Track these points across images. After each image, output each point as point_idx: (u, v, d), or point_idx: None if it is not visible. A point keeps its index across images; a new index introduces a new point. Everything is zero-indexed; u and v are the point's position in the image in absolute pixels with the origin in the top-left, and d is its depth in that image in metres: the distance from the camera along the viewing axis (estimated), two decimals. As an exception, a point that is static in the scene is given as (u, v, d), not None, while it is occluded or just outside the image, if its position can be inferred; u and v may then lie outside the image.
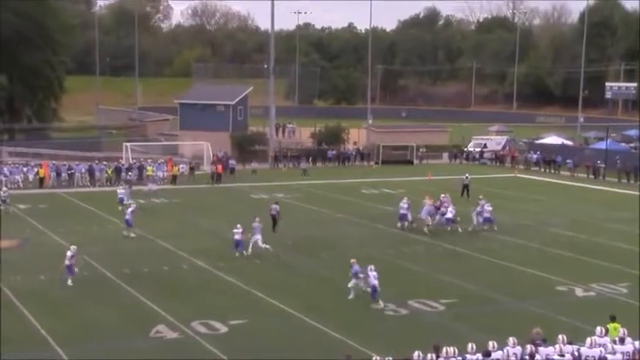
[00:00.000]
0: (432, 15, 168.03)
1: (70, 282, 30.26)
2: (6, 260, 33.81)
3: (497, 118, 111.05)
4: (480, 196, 43.97)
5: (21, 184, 55.54)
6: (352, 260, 28.88)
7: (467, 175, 53.73)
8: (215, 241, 38.20)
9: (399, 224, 41.65)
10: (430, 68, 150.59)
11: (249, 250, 34.88)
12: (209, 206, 48.73)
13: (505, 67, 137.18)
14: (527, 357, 18.41)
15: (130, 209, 40.05)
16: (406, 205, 41.73)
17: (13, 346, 23.21)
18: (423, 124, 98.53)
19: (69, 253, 30.66)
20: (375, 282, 27.56)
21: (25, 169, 57.23)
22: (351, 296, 28.19)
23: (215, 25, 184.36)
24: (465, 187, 51.70)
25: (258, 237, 35.27)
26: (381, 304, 27.51)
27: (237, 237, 34.83)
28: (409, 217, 41.42)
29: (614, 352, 18.72)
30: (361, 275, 28.23)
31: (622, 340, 19.31)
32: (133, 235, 38.83)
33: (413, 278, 32.17)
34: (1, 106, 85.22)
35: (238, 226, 34.80)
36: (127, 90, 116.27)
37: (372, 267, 27.98)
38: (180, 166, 61.90)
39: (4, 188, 49.17)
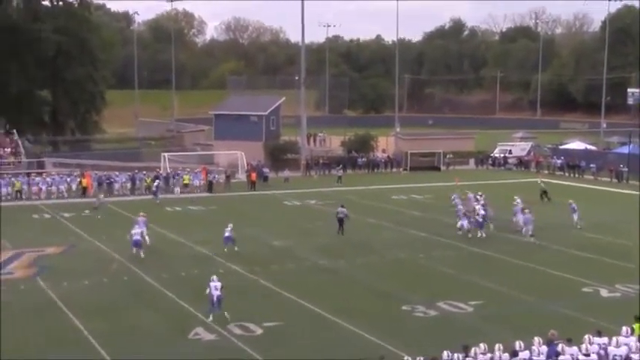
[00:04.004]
0: (457, 26, 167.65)
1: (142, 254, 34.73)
2: (52, 266, 34.14)
3: (522, 125, 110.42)
4: (516, 197, 44.17)
5: (65, 194, 56.01)
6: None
7: (540, 180, 56.08)
8: (251, 247, 38.23)
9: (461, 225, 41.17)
10: (456, 77, 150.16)
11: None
12: (244, 213, 48.83)
13: (529, 75, 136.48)
14: (553, 356, 18.26)
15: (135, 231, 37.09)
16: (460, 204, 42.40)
17: (59, 349, 23.38)
18: (450, 131, 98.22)
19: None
20: (217, 293, 26.03)
21: (68, 179, 57.72)
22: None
23: (248, 39, 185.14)
24: (544, 192, 53.04)
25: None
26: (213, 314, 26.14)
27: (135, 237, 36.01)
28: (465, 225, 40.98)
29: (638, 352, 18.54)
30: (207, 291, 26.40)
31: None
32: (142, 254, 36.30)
33: (442, 280, 32.00)
34: (45, 120, 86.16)
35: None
36: (164, 102, 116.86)
37: (215, 277, 26.60)
38: (214, 175, 62.11)
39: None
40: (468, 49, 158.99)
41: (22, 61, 77.29)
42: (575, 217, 43.42)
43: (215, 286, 26.29)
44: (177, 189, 57.45)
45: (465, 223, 40.82)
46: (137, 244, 36.07)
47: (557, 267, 33.66)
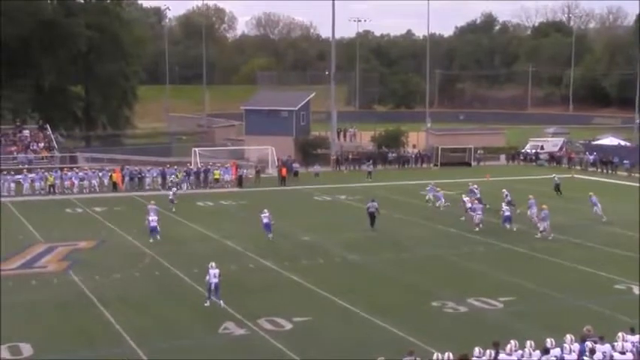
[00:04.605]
0: (489, 21, 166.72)
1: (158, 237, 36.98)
2: (84, 260, 34.41)
3: (554, 120, 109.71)
4: (530, 196, 43.72)
5: (97, 188, 56.44)
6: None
7: (555, 175, 56.64)
8: (280, 241, 38.28)
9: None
10: (487, 72, 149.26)
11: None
12: (274, 208, 48.75)
13: (561, 70, 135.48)
14: (587, 354, 18.08)
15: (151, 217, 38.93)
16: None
17: (91, 342, 23.58)
18: (481, 126, 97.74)
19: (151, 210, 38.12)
20: (215, 280, 26.77)
21: (100, 174, 58.13)
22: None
23: (278, 34, 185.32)
24: (557, 186, 53.44)
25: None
26: (210, 302, 26.97)
27: (152, 224, 38.13)
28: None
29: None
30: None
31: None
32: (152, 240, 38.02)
33: (472, 276, 31.84)
34: (78, 115, 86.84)
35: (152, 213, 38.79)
36: (195, 98, 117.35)
37: (214, 264, 27.22)
38: (245, 170, 62.28)
39: (173, 190, 50.73)
40: (500, 44, 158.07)
41: (56, 57, 78.01)
42: (597, 210, 43.48)
43: (214, 273, 26.91)
44: (185, 185, 57.11)
45: (478, 215, 41.33)
46: (154, 230, 38.06)
47: (588, 264, 33.36)
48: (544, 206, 40.19)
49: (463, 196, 46.56)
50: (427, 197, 49.68)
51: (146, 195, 53.99)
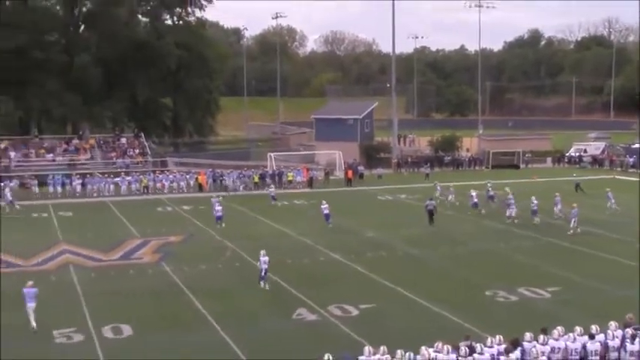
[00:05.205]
0: (535, 36, 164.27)
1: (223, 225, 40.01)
2: (174, 252, 34.90)
3: (596, 126, 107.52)
4: (557, 193, 43.87)
5: (184, 189, 57.17)
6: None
7: (575, 174, 56.65)
8: (348, 237, 38.31)
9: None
10: (534, 83, 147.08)
11: None
12: (341, 207, 48.85)
13: (602, 80, 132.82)
14: (628, 340, 17.72)
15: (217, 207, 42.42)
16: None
17: (181, 326, 23.86)
18: (528, 132, 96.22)
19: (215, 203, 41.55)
20: (265, 266, 27.92)
21: (187, 177, 58.88)
22: None
23: (344, 50, 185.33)
24: (577, 185, 53.28)
25: None
26: (263, 284, 27.96)
27: (218, 214, 41.52)
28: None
29: None
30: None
31: None
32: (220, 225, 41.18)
33: (521, 268, 31.38)
34: (168, 124, 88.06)
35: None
36: (270, 108, 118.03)
37: (263, 252, 28.34)
38: (315, 172, 62.49)
39: (272, 187, 53.49)
40: (545, 56, 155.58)
41: (149, 74, 79.17)
42: (612, 204, 43.95)
43: (264, 260, 27.97)
44: (242, 186, 57.71)
45: (512, 211, 41.39)
46: (219, 218, 41.28)
47: (632, 258, 32.50)
48: (574, 205, 39.52)
49: (471, 190, 46.81)
50: (437, 194, 49.37)
51: (227, 195, 54.61)
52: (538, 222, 40.78)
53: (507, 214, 41.80)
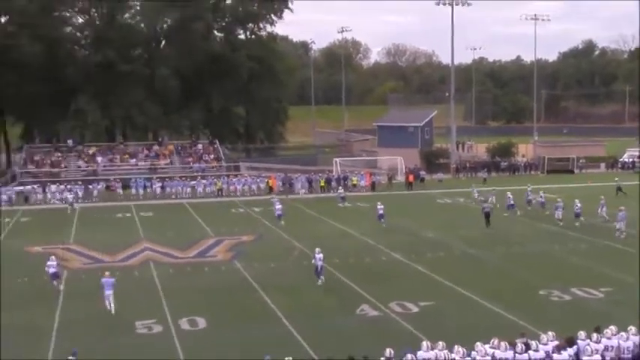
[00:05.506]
0: (589, 46, 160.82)
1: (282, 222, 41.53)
2: (246, 251, 35.20)
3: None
4: (602, 197, 43.19)
5: (256, 192, 57.64)
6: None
7: (617, 178, 55.55)
8: (408, 237, 38.10)
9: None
10: (588, 92, 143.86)
11: None
12: (402, 209, 48.68)
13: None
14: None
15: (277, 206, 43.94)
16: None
17: (251, 319, 24.05)
18: (582, 139, 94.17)
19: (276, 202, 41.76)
20: (320, 263, 27.90)
21: (258, 180, 59.34)
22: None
23: (405, 61, 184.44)
24: (619, 188, 52.23)
25: None
26: (321, 280, 27.86)
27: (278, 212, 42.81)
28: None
29: None
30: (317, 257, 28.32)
31: None
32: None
33: (574, 269, 30.71)
34: (240, 131, 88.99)
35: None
36: (336, 116, 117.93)
37: (318, 249, 28.40)
38: (377, 177, 62.36)
39: (340, 189, 54.37)
40: (599, 66, 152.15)
41: (223, 85, 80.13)
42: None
43: (319, 257, 28.09)
44: (303, 190, 57.78)
45: (560, 213, 40.91)
46: (280, 216, 42.69)
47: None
48: (622, 207, 38.51)
49: (474, 190, 48.81)
50: (475, 196, 51.08)
51: (295, 198, 54.89)
52: (580, 224, 40.17)
53: (556, 216, 41.10)
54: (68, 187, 55.14)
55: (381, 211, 41.95)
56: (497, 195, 48.43)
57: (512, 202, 45.26)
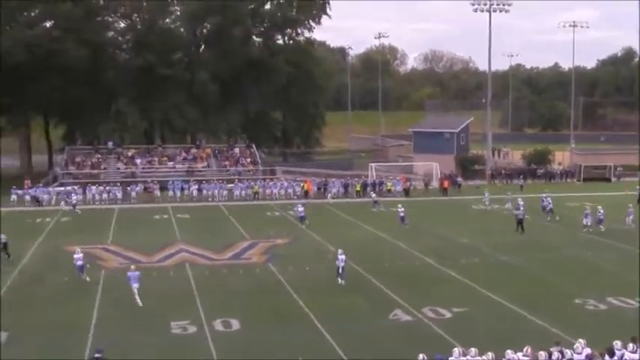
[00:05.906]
0: (629, 54, 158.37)
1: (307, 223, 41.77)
2: (280, 254, 35.21)
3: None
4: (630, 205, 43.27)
5: (292, 196, 57.64)
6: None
7: (638, 187, 55.25)
8: (442, 243, 37.83)
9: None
10: (626, 99, 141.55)
11: None
12: (437, 215, 48.35)
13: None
14: None
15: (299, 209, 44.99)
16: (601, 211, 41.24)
17: (284, 321, 24.07)
18: (620, 147, 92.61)
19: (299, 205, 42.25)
20: (342, 264, 28.48)
21: (294, 184, 59.37)
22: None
23: (442, 68, 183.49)
24: None
25: None
26: (341, 280, 28.48)
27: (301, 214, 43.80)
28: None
29: None
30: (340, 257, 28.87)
31: None
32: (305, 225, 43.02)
33: (609, 277, 30.22)
34: (277, 136, 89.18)
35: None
36: (372, 121, 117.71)
37: (341, 250, 28.96)
38: (412, 182, 62.07)
39: (373, 194, 54.32)
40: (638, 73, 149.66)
41: (261, 89, 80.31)
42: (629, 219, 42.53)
43: (342, 258, 28.68)
44: (330, 194, 57.17)
45: (588, 220, 40.73)
46: (303, 218, 43.59)
47: None
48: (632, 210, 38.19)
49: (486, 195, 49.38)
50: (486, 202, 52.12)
51: (330, 202, 54.80)
52: (603, 229, 40.29)
53: (584, 223, 40.96)
54: (107, 188, 55.82)
55: (402, 214, 42.68)
56: (527, 201, 47.88)
57: (550, 205, 45.79)
